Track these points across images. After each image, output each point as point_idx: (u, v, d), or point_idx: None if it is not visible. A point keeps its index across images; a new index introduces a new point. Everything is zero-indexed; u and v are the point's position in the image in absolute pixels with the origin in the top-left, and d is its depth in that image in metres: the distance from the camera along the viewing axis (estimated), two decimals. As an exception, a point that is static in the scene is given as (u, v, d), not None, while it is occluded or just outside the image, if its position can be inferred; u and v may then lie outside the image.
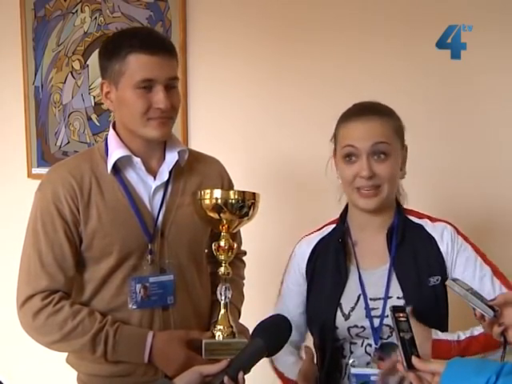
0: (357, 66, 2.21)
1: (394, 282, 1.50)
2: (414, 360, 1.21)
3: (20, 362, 2.77)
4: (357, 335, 1.52)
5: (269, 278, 2.31)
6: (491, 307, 1.23)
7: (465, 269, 1.51)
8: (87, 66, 2.72)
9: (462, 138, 2.10)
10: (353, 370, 1.50)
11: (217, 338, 1.54)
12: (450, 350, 1.43)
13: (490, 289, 1.47)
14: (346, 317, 1.52)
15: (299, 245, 1.68)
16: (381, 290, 1.51)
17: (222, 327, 1.54)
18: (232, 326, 1.55)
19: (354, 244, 1.58)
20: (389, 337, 1.50)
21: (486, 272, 1.50)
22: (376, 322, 1.50)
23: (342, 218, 1.62)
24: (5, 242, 2.94)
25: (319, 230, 1.67)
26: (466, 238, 1.55)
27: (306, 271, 1.63)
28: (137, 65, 1.51)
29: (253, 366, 1.35)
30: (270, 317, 1.44)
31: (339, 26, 2.24)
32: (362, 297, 1.52)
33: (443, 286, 1.49)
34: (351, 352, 1.54)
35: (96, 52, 2.62)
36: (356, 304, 1.52)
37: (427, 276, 1.50)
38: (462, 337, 1.46)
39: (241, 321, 1.72)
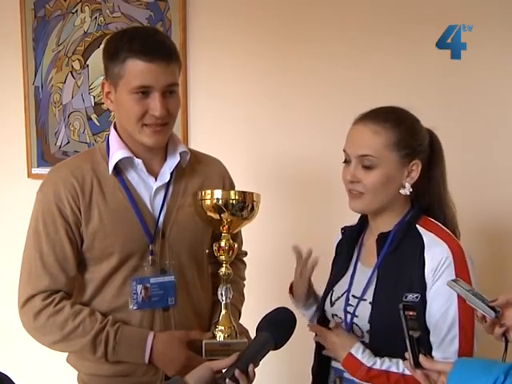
0: (356, 66, 2.21)
1: (373, 287, 1.52)
2: (422, 358, 1.22)
3: (21, 362, 2.76)
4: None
5: (269, 279, 2.33)
6: (493, 308, 1.22)
7: (436, 297, 1.43)
8: (87, 65, 2.72)
9: (462, 138, 2.10)
10: (333, 363, 1.58)
11: (217, 338, 1.54)
12: (356, 371, 1.44)
13: (446, 329, 1.41)
14: (332, 304, 1.60)
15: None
16: (361, 290, 1.54)
17: (222, 328, 1.55)
18: (233, 327, 1.56)
19: (362, 243, 1.63)
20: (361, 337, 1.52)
21: (450, 313, 1.42)
22: (349, 317, 1.54)
23: (363, 217, 1.64)
24: (5, 241, 2.94)
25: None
26: (460, 270, 1.43)
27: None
28: (134, 71, 1.50)
29: (261, 358, 1.38)
30: (274, 310, 1.47)
31: (339, 26, 2.24)
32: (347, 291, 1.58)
33: (423, 304, 1.43)
34: None
35: (96, 52, 2.67)
36: (342, 295, 1.58)
37: (405, 291, 1.45)
38: (377, 366, 1.42)
39: (241, 321, 1.72)
